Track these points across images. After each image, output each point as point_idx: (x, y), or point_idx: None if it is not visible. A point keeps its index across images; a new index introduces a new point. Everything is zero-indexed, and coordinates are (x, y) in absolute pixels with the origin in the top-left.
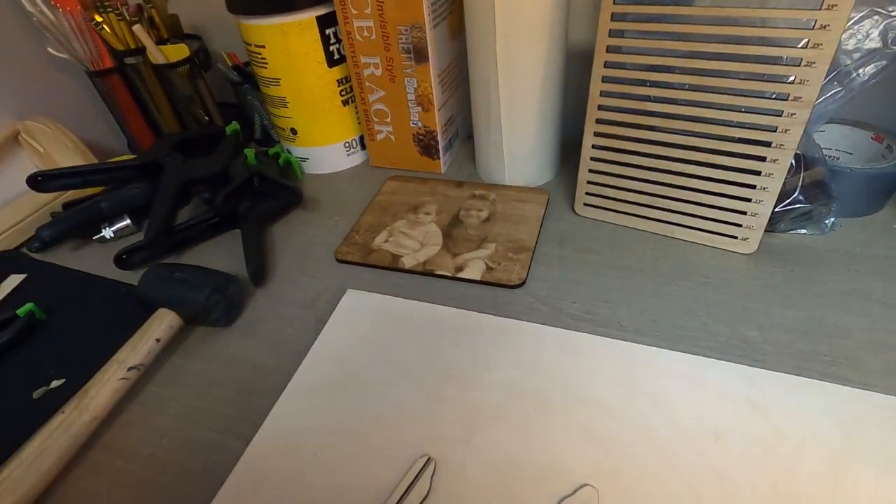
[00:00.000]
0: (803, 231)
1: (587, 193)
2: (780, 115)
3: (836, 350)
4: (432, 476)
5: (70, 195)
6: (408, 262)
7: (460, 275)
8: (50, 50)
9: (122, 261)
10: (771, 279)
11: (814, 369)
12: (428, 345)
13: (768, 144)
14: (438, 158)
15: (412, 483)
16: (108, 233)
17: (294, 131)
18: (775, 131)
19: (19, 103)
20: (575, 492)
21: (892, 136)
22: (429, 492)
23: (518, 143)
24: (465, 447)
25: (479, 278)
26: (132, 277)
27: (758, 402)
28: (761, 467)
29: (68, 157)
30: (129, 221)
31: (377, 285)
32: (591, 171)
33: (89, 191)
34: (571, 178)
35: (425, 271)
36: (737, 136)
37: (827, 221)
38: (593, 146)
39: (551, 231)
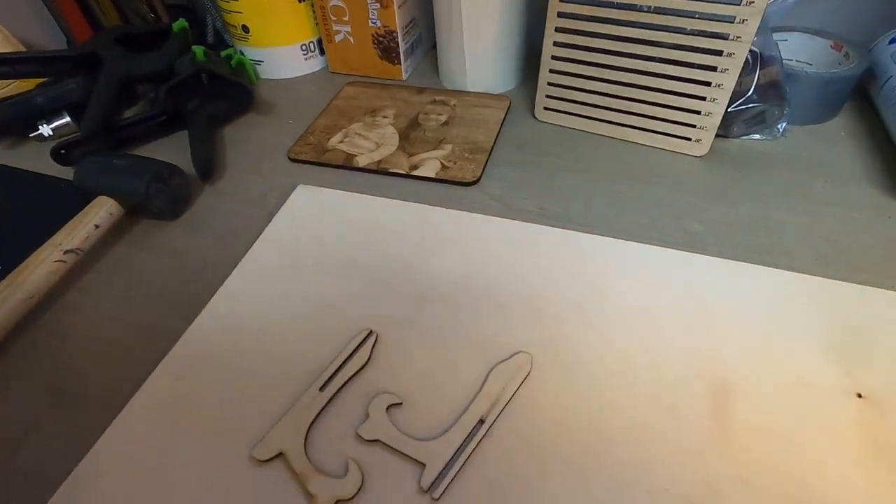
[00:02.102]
0: (756, 136)
1: (547, 96)
2: (739, 4)
3: (772, 242)
4: (373, 347)
5: None
6: (362, 160)
7: (415, 173)
8: None
9: (59, 155)
10: (721, 180)
11: (749, 258)
12: (377, 237)
13: (725, 37)
14: (399, 63)
15: (353, 353)
16: (45, 130)
17: (246, 28)
18: (732, 22)
19: None
20: (510, 357)
21: (851, 44)
22: (368, 360)
23: (480, 47)
24: (409, 324)
25: (433, 175)
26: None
27: (692, 283)
28: (691, 341)
29: None
30: (68, 119)
31: (330, 184)
32: (551, 71)
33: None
34: (534, 87)
35: (379, 170)
36: (694, 28)
37: (779, 126)
38: (554, 45)
39: (511, 135)
